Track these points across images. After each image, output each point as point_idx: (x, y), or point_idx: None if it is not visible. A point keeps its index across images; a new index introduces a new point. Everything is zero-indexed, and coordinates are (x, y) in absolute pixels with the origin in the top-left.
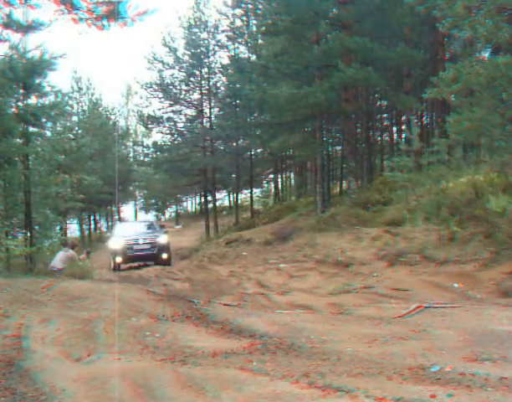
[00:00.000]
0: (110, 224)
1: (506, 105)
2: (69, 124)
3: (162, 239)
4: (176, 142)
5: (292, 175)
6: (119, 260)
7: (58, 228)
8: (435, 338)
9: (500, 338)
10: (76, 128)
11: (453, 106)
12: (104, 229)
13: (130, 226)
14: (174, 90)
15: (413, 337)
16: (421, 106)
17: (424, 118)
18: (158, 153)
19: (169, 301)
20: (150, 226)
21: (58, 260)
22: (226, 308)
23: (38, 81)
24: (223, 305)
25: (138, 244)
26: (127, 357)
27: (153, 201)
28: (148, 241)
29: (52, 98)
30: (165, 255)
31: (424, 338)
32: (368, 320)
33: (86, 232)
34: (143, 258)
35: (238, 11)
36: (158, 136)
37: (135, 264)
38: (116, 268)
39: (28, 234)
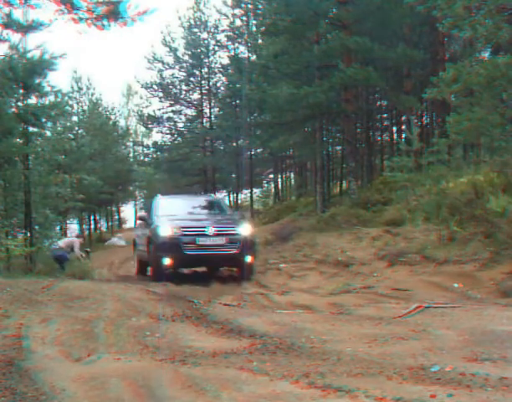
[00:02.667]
0: (110, 224)
1: (506, 105)
2: (69, 124)
3: (245, 229)
4: (176, 142)
5: (292, 175)
6: (167, 261)
7: (58, 228)
8: (435, 338)
9: (500, 338)
10: (76, 128)
11: (453, 106)
12: (104, 229)
13: (186, 204)
14: (174, 90)
15: (413, 337)
16: (421, 106)
17: (424, 118)
18: (158, 153)
19: (169, 301)
20: (216, 207)
21: (61, 242)
22: (226, 308)
23: (38, 81)
24: (223, 305)
25: (205, 235)
26: (127, 357)
27: None
28: (224, 232)
29: (52, 98)
30: (249, 258)
31: (424, 338)
32: (368, 320)
33: (86, 232)
34: (213, 260)
35: (238, 11)
36: (158, 136)
37: (195, 268)
38: (159, 276)
39: (28, 234)
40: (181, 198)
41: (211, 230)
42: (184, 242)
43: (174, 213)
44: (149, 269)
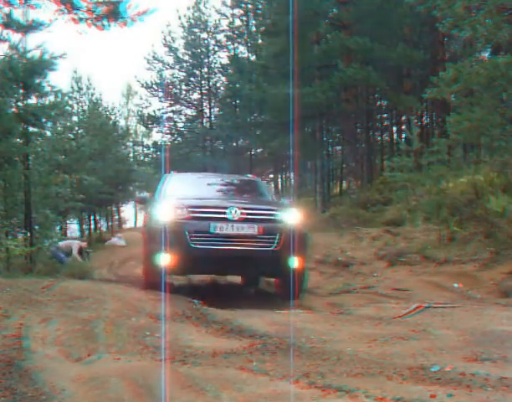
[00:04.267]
0: (110, 224)
1: (506, 105)
2: (69, 124)
3: (290, 215)
4: (176, 142)
5: (292, 175)
6: (163, 261)
7: (58, 228)
8: (435, 338)
9: (500, 338)
10: (76, 128)
11: (453, 106)
12: (104, 229)
13: (207, 183)
14: (174, 90)
15: (413, 337)
16: (421, 106)
17: (424, 118)
18: (158, 153)
19: (169, 300)
20: (250, 187)
21: (62, 242)
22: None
23: (38, 81)
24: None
25: (226, 219)
26: (127, 357)
27: None
28: (256, 216)
29: (52, 98)
30: (296, 261)
31: (424, 338)
32: (368, 320)
33: (86, 232)
34: (236, 263)
35: (238, 11)
36: (158, 135)
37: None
38: (150, 282)
39: (28, 234)
40: (203, 176)
41: (235, 213)
42: (191, 230)
43: (188, 194)
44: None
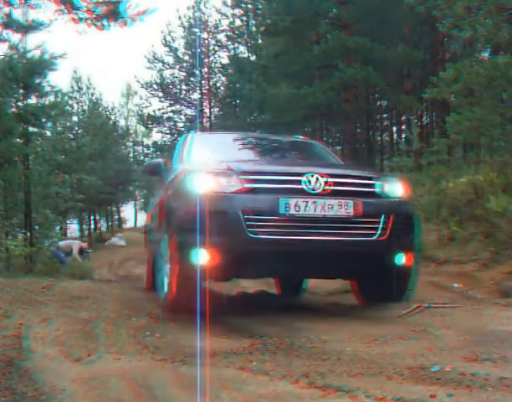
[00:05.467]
0: (109, 224)
1: (506, 105)
2: (68, 124)
3: (394, 187)
4: (176, 142)
5: None
6: (205, 259)
7: (58, 228)
8: (435, 338)
9: (500, 338)
10: (76, 128)
11: (453, 106)
12: (104, 229)
13: (239, 142)
14: (174, 90)
15: (413, 337)
16: (421, 106)
17: (424, 118)
18: (158, 153)
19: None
20: (311, 152)
21: (62, 242)
22: (225, 308)
23: (38, 81)
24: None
25: (303, 191)
26: (127, 357)
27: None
28: (350, 187)
29: (52, 98)
30: (403, 257)
31: (424, 338)
32: (368, 320)
33: (86, 232)
34: (324, 261)
35: (238, 11)
36: (158, 135)
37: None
38: (182, 295)
39: (28, 234)
40: (237, 135)
41: (316, 182)
42: (248, 209)
43: (228, 157)
44: (163, 278)
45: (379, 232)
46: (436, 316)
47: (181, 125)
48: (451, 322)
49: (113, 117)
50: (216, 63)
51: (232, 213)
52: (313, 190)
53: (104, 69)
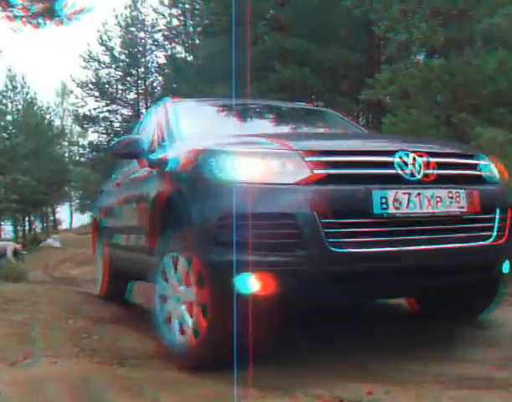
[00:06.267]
0: (45, 225)
1: (441, 107)
2: (2, 123)
3: (494, 171)
4: (112, 142)
5: None
6: (254, 286)
7: None
8: None
9: None
10: (10, 127)
11: (388, 108)
12: (39, 230)
13: (239, 113)
14: (110, 90)
15: None
16: (357, 108)
17: (360, 119)
18: (94, 154)
19: (107, 303)
20: (334, 123)
21: None
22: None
23: None
24: None
25: (401, 182)
26: (64, 360)
27: (89, 202)
28: (459, 170)
29: None
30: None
31: None
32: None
33: (21, 233)
34: (432, 276)
35: (176, 10)
36: (94, 135)
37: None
38: (216, 344)
39: None
40: (228, 102)
41: (415, 163)
42: (327, 209)
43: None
44: (172, 312)
45: (495, 233)
46: None
47: (117, 125)
48: None
49: (48, 117)
50: (152, 62)
51: (303, 215)
52: (412, 176)
53: (39, 67)
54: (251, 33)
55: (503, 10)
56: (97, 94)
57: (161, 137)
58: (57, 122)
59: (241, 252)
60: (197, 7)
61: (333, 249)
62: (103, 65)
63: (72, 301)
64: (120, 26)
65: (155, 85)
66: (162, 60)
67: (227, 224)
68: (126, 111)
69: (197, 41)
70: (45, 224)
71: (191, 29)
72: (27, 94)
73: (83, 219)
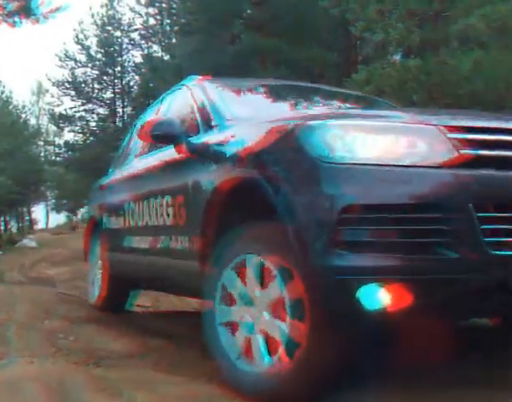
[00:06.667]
0: (20, 225)
1: (416, 107)
2: None
3: None
4: (88, 142)
5: None
6: (384, 300)
7: None
8: None
9: None
10: None
11: None
12: (14, 230)
13: (278, 95)
14: (86, 89)
15: None
16: None
17: None
18: (70, 153)
19: (84, 303)
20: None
21: None
22: (142, 311)
23: None
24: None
25: None
26: (40, 360)
27: (65, 202)
28: None
29: None
30: None
31: None
32: None
33: None
34: None
35: (152, 10)
36: (70, 135)
37: None
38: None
39: None
40: (262, 82)
41: None
42: (487, 201)
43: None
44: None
45: None
46: None
47: (93, 124)
48: None
49: (24, 116)
50: (129, 62)
51: (453, 208)
52: None
53: (14, 66)
54: (228, 32)
55: (479, 11)
56: (73, 93)
57: (205, 118)
58: (33, 121)
59: (373, 255)
60: (174, 6)
61: (492, 251)
62: (79, 64)
63: (48, 301)
64: (97, 25)
65: (131, 84)
66: (139, 59)
67: (353, 218)
68: (103, 111)
69: (174, 40)
70: (21, 224)
71: (167, 28)
72: (2, 92)
73: (59, 218)
